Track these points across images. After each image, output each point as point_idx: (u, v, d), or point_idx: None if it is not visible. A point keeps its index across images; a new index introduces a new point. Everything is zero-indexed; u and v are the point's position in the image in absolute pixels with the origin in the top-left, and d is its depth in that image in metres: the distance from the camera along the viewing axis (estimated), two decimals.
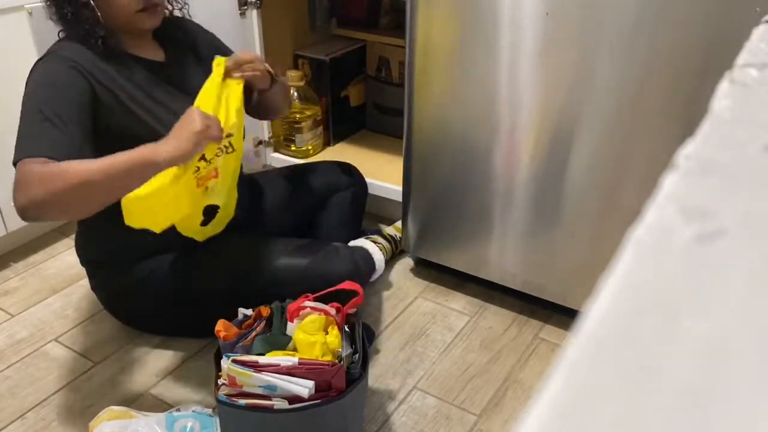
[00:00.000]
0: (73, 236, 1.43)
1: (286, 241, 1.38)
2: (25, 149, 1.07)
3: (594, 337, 0.22)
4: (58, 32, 1.22)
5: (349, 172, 1.65)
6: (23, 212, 1.05)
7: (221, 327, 1.11)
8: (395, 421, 1.24)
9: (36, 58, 1.49)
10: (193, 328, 1.39)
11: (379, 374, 1.35)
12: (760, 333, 0.22)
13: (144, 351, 1.40)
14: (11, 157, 1.55)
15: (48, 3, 1.19)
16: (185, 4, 1.37)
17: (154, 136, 1.11)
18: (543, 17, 1.20)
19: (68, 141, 1.08)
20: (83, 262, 1.38)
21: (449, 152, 1.43)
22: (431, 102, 1.40)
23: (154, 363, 1.37)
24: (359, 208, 1.67)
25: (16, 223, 1.63)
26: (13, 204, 1.06)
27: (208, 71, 1.24)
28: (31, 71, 1.17)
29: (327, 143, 2.05)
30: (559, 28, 1.19)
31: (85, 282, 1.43)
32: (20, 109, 1.13)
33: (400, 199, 1.61)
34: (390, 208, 1.81)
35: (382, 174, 1.80)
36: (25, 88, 1.15)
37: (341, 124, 2.07)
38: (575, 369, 0.21)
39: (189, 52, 1.32)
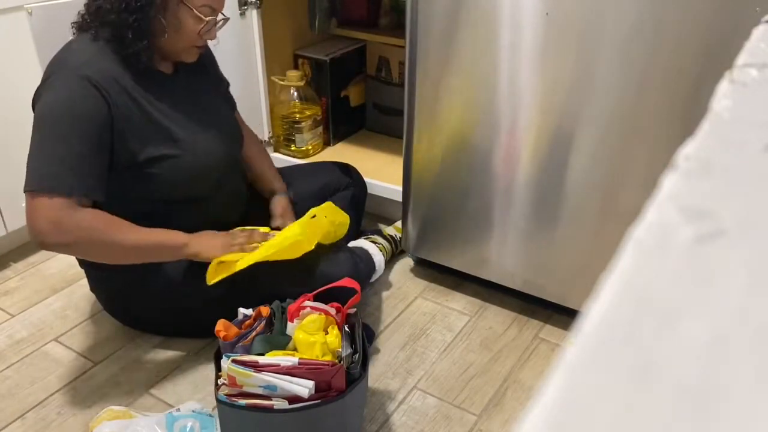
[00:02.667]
0: None
1: None
2: (55, 182, 1.11)
3: (594, 337, 0.22)
4: (74, 25, 1.22)
5: (348, 172, 1.66)
6: (46, 246, 1.16)
7: (221, 327, 1.11)
8: (395, 421, 1.24)
9: (36, 58, 1.49)
10: (193, 329, 1.39)
11: (379, 374, 1.35)
12: (760, 333, 0.22)
13: (144, 351, 1.40)
14: (11, 157, 1.56)
15: (117, 5, 1.14)
16: None
17: (164, 148, 1.20)
18: (543, 17, 1.20)
19: (95, 173, 1.14)
20: (82, 264, 1.38)
21: (449, 152, 1.43)
22: (431, 102, 1.40)
23: (154, 363, 1.37)
24: (358, 209, 1.67)
25: (16, 223, 1.63)
26: (31, 228, 1.13)
27: (208, 76, 1.37)
28: (48, 85, 1.15)
29: (327, 143, 2.05)
30: (559, 28, 1.19)
31: (85, 282, 1.43)
32: (40, 128, 1.12)
33: (400, 199, 1.61)
34: (390, 208, 1.81)
35: (382, 174, 1.80)
36: (44, 106, 1.13)
37: (341, 124, 2.07)
38: (575, 369, 0.21)
39: (196, 66, 1.33)
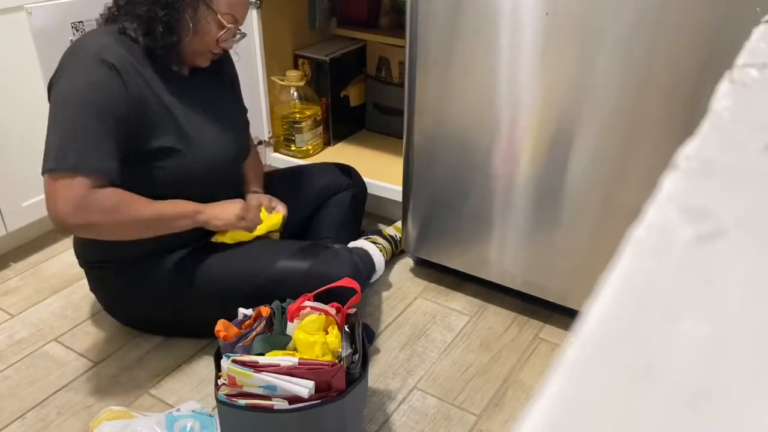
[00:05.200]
0: (73, 237, 1.43)
1: (285, 243, 1.39)
2: (76, 162, 1.11)
3: (594, 337, 0.22)
4: (104, 14, 1.24)
5: (348, 173, 1.66)
6: (68, 227, 1.16)
7: (221, 327, 1.11)
8: (395, 421, 1.24)
9: (36, 58, 1.49)
10: (193, 329, 1.39)
11: (379, 374, 1.35)
12: (760, 333, 0.22)
13: (144, 351, 1.40)
14: (11, 157, 1.56)
15: (151, 6, 1.16)
16: None
17: (173, 141, 1.21)
18: (543, 17, 1.20)
19: (114, 154, 1.15)
20: (82, 264, 1.38)
21: (449, 152, 1.43)
22: (431, 102, 1.40)
23: (154, 363, 1.37)
24: (358, 209, 1.67)
25: (16, 223, 1.63)
26: (52, 210, 1.13)
27: (226, 89, 1.41)
28: (66, 69, 1.15)
29: (327, 143, 2.05)
30: (559, 28, 1.19)
31: (86, 282, 1.43)
32: (58, 109, 1.13)
33: (400, 199, 1.61)
34: (390, 208, 1.81)
35: (382, 174, 1.80)
36: (63, 88, 1.13)
37: (341, 124, 2.07)
38: (575, 369, 0.21)
39: (211, 72, 1.33)
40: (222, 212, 1.29)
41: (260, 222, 1.37)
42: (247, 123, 1.49)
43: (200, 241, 1.33)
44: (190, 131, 1.24)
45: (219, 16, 1.19)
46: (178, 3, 1.15)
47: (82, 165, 1.11)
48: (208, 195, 1.30)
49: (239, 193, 1.43)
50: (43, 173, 1.12)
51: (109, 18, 1.23)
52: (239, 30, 1.27)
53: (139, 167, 1.20)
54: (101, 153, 1.12)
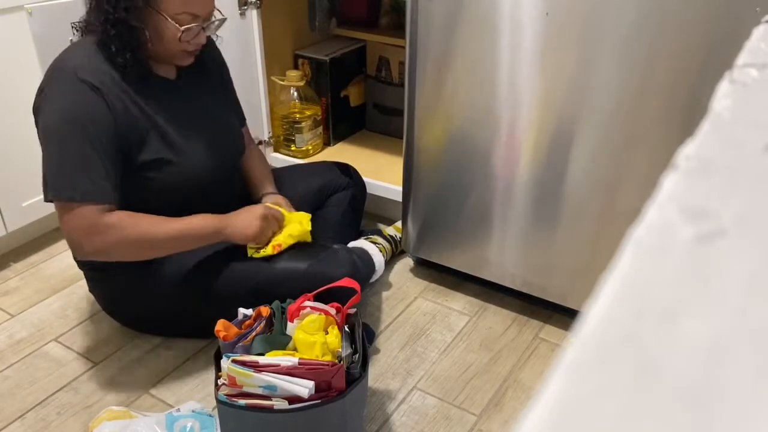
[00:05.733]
0: None
1: None
2: (76, 192, 1.12)
3: (594, 337, 0.22)
4: (77, 28, 1.22)
5: (347, 172, 1.65)
6: (86, 255, 1.18)
7: (221, 327, 1.11)
8: (395, 421, 1.24)
9: (36, 58, 1.49)
10: (193, 329, 1.39)
11: (379, 374, 1.35)
12: (760, 333, 0.22)
13: (144, 351, 1.40)
14: (11, 157, 1.56)
15: (98, 17, 1.15)
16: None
17: (161, 152, 1.20)
18: (543, 17, 1.20)
19: (110, 176, 1.15)
20: (80, 265, 1.38)
21: (449, 152, 1.43)
22: (431, 102, 1.40)
23: (154, 363, 1.37)
24: (358, 209, 1.67)
25: (16, 223, 1.63)
26: (66, 238, 1.16)
27: (215, 85, 1.36)
28: (48, 93, 1.15)
29: (327, 143, 2.05)
30: (559, 28, 1.19)
31: (85, 282, 1.43)
32: (49, 137, 1.13)
33: (400, 199, 1.61)
34: (390, 208, 1.81)
35: (382, 174, 1.80)
36: (49, 115, 1.13)
37: (341, 124, 2.07)
38: (575, 369, 0.21)
39: (199, 68, 1.31)
40: (244, 228, 1.25)
41: (283, 226, 1.33)
42: (241, 119, 1.49)
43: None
44: (179, 140, 1.24)
45: (170, 20, 1.14)
46: (125, 18, 1.12)
47: (79, 194, 1.12)
48: (203, 198, 1.29)
49: (237, 192, 1.43)
50: (46, 200, 1.16)
51: (83, 31, 1.21)
52: (216, 17, 1.23)
53: (130, 179, 1.20)
54: (95, 178, 1.13)
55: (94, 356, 1.39)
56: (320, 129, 1.99)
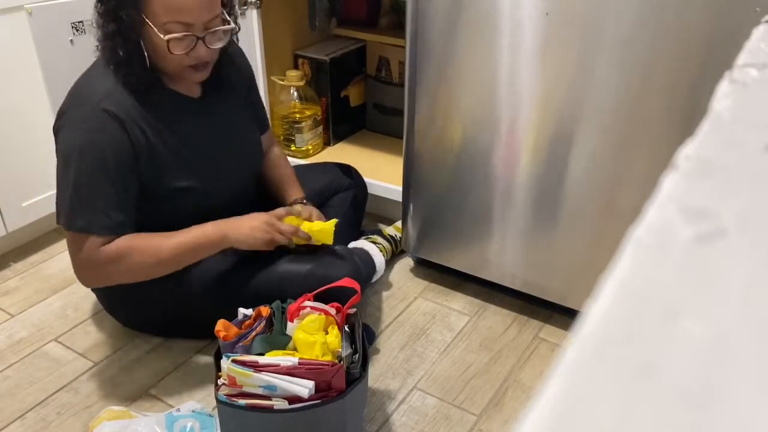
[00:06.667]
0: None
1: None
2: (85, 223, 1.13)
3: (594, 337, 0.22)
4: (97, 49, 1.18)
5: (349, 173, 1.65)
6: (90, 285, 1.23)
7: (221, 327, 1.11)
8: (395, 421, 1.24)
9: (36, 58, 1.49)
10: (193, 330, 1.39)
11: (379, 374, 1.35)
12: (760, 333, 0.22)
13: (144, 351, 1.40)
14: (11, 157, 1.56)
15: (102, 35, 1.12)
16: (236, 37, 1.31)
17: (181, 180, 1.20)
18: (543, 17, 1.20)
19: (124, 207, 1.15)
20: None
21: (449, 152, 1.43)
22: (431, 102, 1.40)
23: (154, 363, 1.37)
24: (359, 210, 1.67)
25: (16, 223, 1.63)
26: (73, 268, 1.18)
27: (239, 101, 1.33)
28: (69, 119, 1.13)
29: (327, 143, 2.05)
30: (559, 28, 1.19)
31: None
32: (65, 165, 1.12)
33: (400, 199, 1.61)
34: (390, 208, 1.81)
35: (382, 174, 1.80)
36: (67, 143, 1.12)
37: (341, 124, 2.07)
38: (575, 369, 0.21)
39: (221, 83, 1.28)
40: (247, 237, 1.21)
41: (291, 232, 1.26)
42: (263, 124, 1.46)
43: None
44: (197, 165, 1.23)
45: (156, 30, 1.08)
46: (118, 31, 1.09)
47: (90, 226, 1.12)
48: (221, 211, 1.26)
49: (254, 196, 1.42)
50: (57, 224, 1.17)
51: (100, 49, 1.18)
52: (228, 23, 1.16)
53: (155, 205, 1.21)
54: (109, 209, 1.13)
55: (94, 356, 1.39)
56: (320, 129, 1.99)
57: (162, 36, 1.09)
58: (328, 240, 1.31)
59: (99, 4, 1.12)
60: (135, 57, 1.12)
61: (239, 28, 1.24)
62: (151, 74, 1.15)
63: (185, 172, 1.22)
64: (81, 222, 1.13)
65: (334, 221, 1.32)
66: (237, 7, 1.24)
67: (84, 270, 1.18)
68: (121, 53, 1.11)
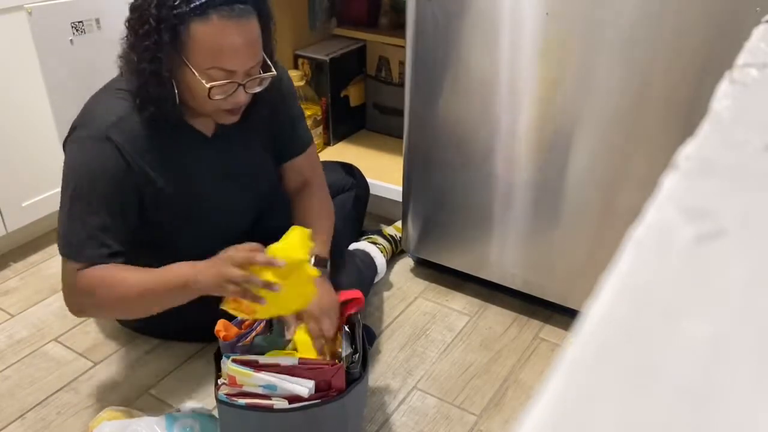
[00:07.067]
0: None
1: None
2: (73, 250, 1.11)
3: (594, 337, 0.22)
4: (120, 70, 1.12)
5: (351, 173, 1.65)
6: (75, 313, 1.18)
7: (221, 327, 1.11)
8: (395, 421, 1.24)
9: (36, 58, 1.49)
10: (193, 332, 1.38)
11: (379, 374, 1.35)
12: (760, 333, 0.22)
13: (144, 351, 1.40)
14: (11, 157, 1.56)
15: (134, 70, 1.06)
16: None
17: (179, 218, 1.18)
18: (543, 17, 1.20)
19: (116, 237, 1.11)
20: None
21: (449, 152, 1.43)
22: (431, 102, 1.40)
23: (154, 363, 1.37)
24: (361, 210, 1.66)
25: (16, 223, 1.63)
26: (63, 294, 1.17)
27: (256, 136, 1.23)
28: (75, 139, 1.11)
29: (327, 143, 2.05)
30: (559, 28, 1.19)
31: None
32: (64, 188, 1.11)
33: (400, 199, 1.61)
34: (390, 208, 1.81)
35: (383, 174, 1.79)
36: (69, 167, 1.10)
37: (341, 124, 2.07)
38: (575, 369, 0.21)
39: (245, 124, 1.18)
40: (209, 285, 1.04)
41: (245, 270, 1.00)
42: (298, 148, 1.33)
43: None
44: (202, 206, 1.20)
45: (198, 75, 1.03)
46: (153, 68, 1.03)
47: (82, 255, 1.10)
48: (225, 244, 1.12)
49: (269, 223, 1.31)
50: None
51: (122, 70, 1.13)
52: (270, 69, 1.09)
53: (146, 233, 1.18)
54: (106, 238, 1.10)
55: (94, 356, 1.39)
56: (320, 129, 1.99)
57: (203, 81, 1.03)
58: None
59: (133, 38, 1.05)
60: (166, 97, 1.07)
61: (277, 74, 1.15)
62: (178, 112, 1.11)
63: (181, 208, 1.19)
64: (73, 249, 1.11)
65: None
66: (275, 52, 1.16)
67: (66, 296, 1.15)
68: (150, 91, 1.07)
